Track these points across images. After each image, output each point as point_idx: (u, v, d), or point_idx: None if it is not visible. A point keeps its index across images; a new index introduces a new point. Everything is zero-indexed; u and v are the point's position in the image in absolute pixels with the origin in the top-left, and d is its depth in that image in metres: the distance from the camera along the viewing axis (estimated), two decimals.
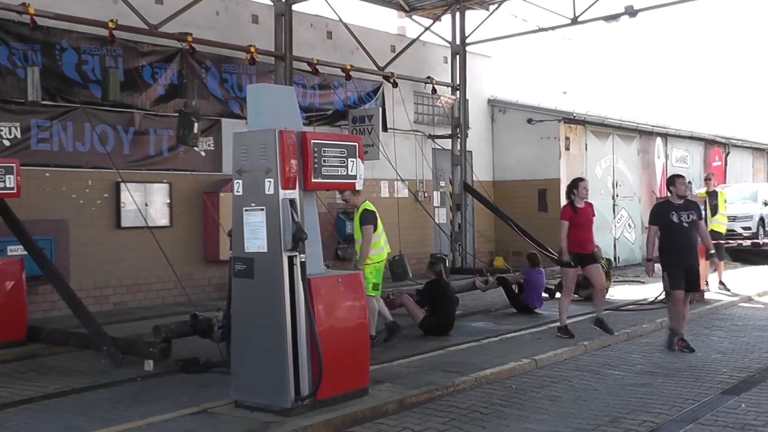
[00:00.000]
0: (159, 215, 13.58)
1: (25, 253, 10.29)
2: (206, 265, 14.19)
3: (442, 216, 19.17)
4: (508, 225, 18.02)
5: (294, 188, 6.51)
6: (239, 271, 6.70)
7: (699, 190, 16.30)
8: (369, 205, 9.80)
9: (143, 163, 13.40)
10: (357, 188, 7.62)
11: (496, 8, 18.46)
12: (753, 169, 29.86)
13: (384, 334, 9.99)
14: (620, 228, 21.22)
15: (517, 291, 12.99)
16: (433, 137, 18.87)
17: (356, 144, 7.09)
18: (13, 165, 9.95)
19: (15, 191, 9.91)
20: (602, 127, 20.96)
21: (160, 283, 13.30)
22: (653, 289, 13.75)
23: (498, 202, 19.46)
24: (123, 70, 13.00)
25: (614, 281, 15.40)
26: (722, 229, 15.77)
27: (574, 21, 17.05)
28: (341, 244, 15.55)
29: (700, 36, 64.67)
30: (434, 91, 18.10)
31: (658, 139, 23.44)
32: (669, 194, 9.91)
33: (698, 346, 9.56)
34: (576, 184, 10.33)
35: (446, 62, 19.06)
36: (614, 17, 16.69)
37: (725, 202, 15.93)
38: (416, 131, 18.26)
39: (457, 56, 18.61)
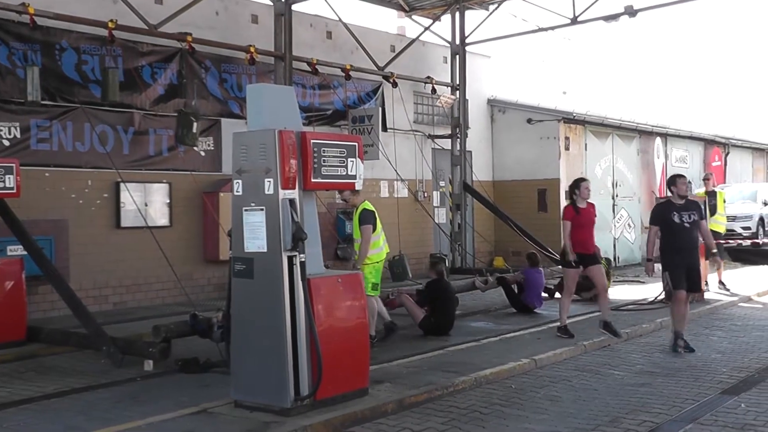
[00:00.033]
0: (159, 215, 13.58)
1: (25, 253, 10.29)
2: (206, 265, 14.19)
3: (441, 216, 19.17)
4: (508, 225, 18.04)
5: (294, 188, 6.51)
6: (239, 271, 6.70)
7: (698, 190, 16.31)
8: (368, 205, 9.80)
9: (143, 163, 13.40)
10: (357, 188, 7.61)
11: (496, 8, 18.46)
12: (753, 169, 29.87)
13: (382, 334, 9.99)
14: (620, 228, 21.22)
15: (516, 291, 12.99)
16: (432, 137, 18.87)
17: (356, 144, 7.09)
18: (13, 165, 9.95)
19: (15, 191, 9.91)
20: (602, 127, 20.97)
21: (160, 283, 13.30)
22: (653, 289, 13.75)
23: (497, 202, 19.47)
24: (123, 70, 13.00)
25: (614, 281, 15.41)
26: (721, 229, 15.79)
27: (574, 21, 17.06)
28: (341, 244, 15.54)
29: (700, 36, 64.73)
30: (434, 91, 18.10)
31: (658, 139, 23.45)
32: (670, 194, 9.86)
33: (698, 346, 9.56)
34: (578, 185, 10.29)
35: (446, 62, 19.07)
36: (614, 17, 16.70)
37: (724, 202, 15.94)
38: (416, 131, 18.26)
39: (457, 56, 18.61)
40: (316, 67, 15.28)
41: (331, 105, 16.67)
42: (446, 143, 18.75)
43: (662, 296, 12.74)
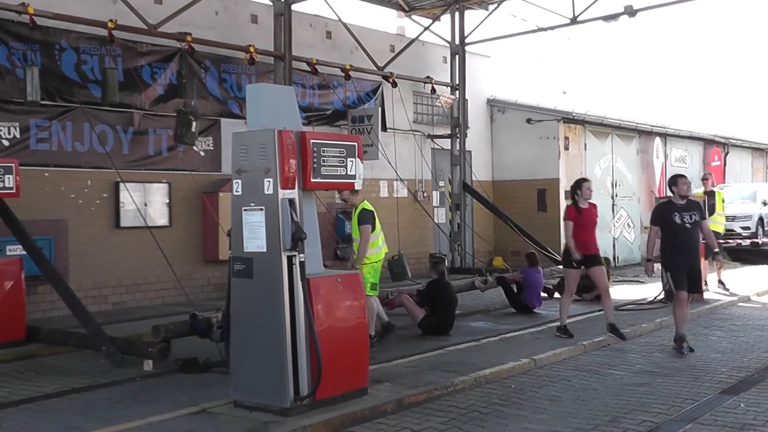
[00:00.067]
0: (158, 215, 13.58)
1: (24, 252, 10.29)
2: (205, 264, 14.19)
3: (441, 216, 19.17)
4: (507, 225, 18.05)
5: (293, 188, 6.51)
6: (238, 270, 6.70)
7: (697, 190, 16.31)
8: (367, 205, 9.80)
9: (142, 162, 13.40)
10: (356, 188, 7.61)
11: (496, 8, 18.47)
12: (752, 169, 29.87)
13: (380, 334, 9.99)
14: (619, 228, 21.22)
15: (516, 291, 12.99)
16: (432, 137, 18.88)
17: (355, 144, 7.09)
18: (12, 165, 9.94)
19: (14, 191, 9.90)
20: (601, 127, 20.97)
21: (160, 283, 13.30)
22: (652, 289, 13.76)
23: (497, 201, 19.48)
24: (122, 70, 13.00)
25: (613, 281, 15.40)
26: (720, 229, 15.79)
27: (574, 21, 17.06)
28: (340, 243, 15.55)
29: (699, 36, 64.74)
30: (433, 90, 18.11)
31: (657, 139, 23.45)
32: (671, 194, 9.82)
33: (697, 346, 9.55)
34: (580, 185, 10.27)
35: (445, 62, 19.08)
36: (613, 17, 16.70)
37: (723, 201, 15.94)
38: (415, 131, 18.25)
39: (457, 56, 18.62)
40: (316, 67, 15.29)
41: (330, 105, 16.67)
42: (446, 143, 18.76)
43: (661, 296, 12.79)
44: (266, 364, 6.50)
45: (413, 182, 18.31)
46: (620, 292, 14.58)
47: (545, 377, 8.15)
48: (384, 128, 16.98)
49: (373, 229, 9.64)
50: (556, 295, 13.76)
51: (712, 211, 15.15)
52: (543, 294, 13.14)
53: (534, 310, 12.64)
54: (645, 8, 16.41)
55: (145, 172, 13.42)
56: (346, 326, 6.85)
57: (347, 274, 7.26)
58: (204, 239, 14.12)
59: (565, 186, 19.33)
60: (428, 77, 18.02)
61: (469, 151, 19.07)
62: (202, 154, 14.24)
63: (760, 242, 21.57)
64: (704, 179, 16.04)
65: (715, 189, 16.07)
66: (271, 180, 6.43)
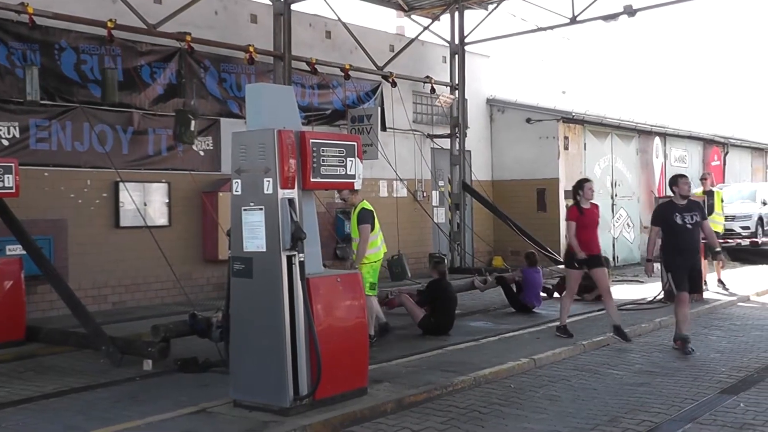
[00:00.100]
0: (158, 215, 13.58)
1: (24, 252, 10.29)
2: (205, 264, 14.19)
3: (440, 216, 19.18)
4: (507, 224, 18.06)
5: (293, 188, 6.51)
6: (238, 270, 6.69)
7: (696, 190, 16.31)
8: (367, 204, 9.80)
9: (142, 162, 13.40)
10: (356, 188, 7.61)
11: (495, 8, 18.47)
12: (752, 169, 29.88)
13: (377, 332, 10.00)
14: (619, 227, 21.22)
15: (515, 290, 12.99)
16: (431, 137, 18.87)
17: (355, 143, 7.08)
18: (12, 164, 9.94)
19: (14, 191, 9.90)
20: (601, 127, 20.97)
21: (159, 282, 13.30)
22: (652, 289, 13.76)
23: (497, 201, 19.49)
24: (122, 69, 13.00)
25: (613, 281, 15.38)
26: (719, 229, 15.76)
27: (573, 20, 17.06)
28: (340, 243, 15.55)
29: (698, 36, 64.75)
30: (433, 90, 18.11)
31: (657, 139, 23.45)
32: (672, 194, 9.79)
33: (697, 346, 9.53)
34: (581, 185, 10.24)
35: (445, 62, 19.08)
36: (613, 17, 16.70)
37: (722, 201, 15.94)
38: (415, 131, 18.25)
39: (456, 56, 18.63)
40: (315, 66, 15.29)
41: (330, 105, 16.67)
42: (445, 143, 18.76)
43: (661, 296, 12.79)
44: (266, 364, 6.49)
45: (413, 182, 18.31)
46: (620, 292, 14.57)
47: (545, 377, 8.14)
48: (383, 128, 16.98)
49: (372, 228, 9.63)
50: (556, 294, 13.78)
51: (710, 211, 15.14)
52: (542, 294, 13.14)
53: (533, 309, 12.64)
54: (644, 8, 16.41)
55: (144, 172, 13.42)
56: (345, 326, 6.85)
57: (347, 274, 7.26)
58: (203, 239, 14.12)
59: (564, 186, 19.35)
60: (428, 77, 18.02)
61: (469, 151, 19.07)
62: (202, 153, 14.23)
63: (760, 242, 21.57)
64: (703, 179, 16.03)
65: (714, 189, 16.07)
66: (270, 180, 6.43)
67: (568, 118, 19.89)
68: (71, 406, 7.07)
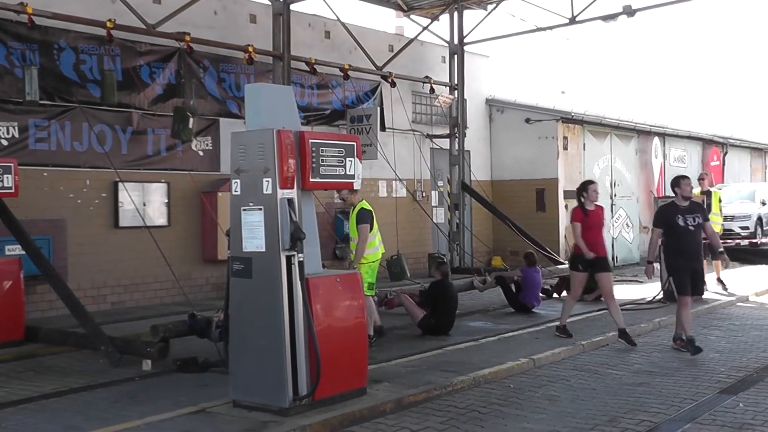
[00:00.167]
0: (157, 215, 13.58)
1: (23, 252, 10.28)
2: (204, 264, 14.18)
3: (440, 216, 19.17)
4: (506, 224, 18.06)
5: (292, 188, 6.50)
6: (237, 270, 6.69)
7: (694, 190, 16.32)
8: (366, 204, 9.80)
9: (141, 162, 13.39)
10: (355, 188, 7.60)
11: (494, 8, 18.47)
12: (751, 169, 29.89)
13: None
14: (618, 228, 21.22)
15: (515, 290, 12.99)
16: (431, 137, 18.87)
17: (354, 143, 7.08)
18: (11, 164, 9.94)
19: (13, 191, 9.90)
20: (600, 127, 20.97)
21: (158, 282, 13.29)
22: (651, 289, 13.76)
23: (496, 201, 19.49)
24: (121, 69, 13.00)
25: (612, 281, 15.38)
26: (717, 229, 15.77)
27: (572, 21, 17.06)
28: (339, 243, 15.55)
29: (698, 36, 64.78)
30: (432, 90, 18.10)
31: (656, 139, 23.46)
32: (674, 196, 9.73)
33: None
34: (586, 187, 10.17)
35: (444, 62, 19.07)
36: (612, 17, 16.70)
37: (719, 201, 15.94)
38: (414, 131, 18.25)
39: (455, 56, 18.62)
40: (315, 66, 15.29)
41: (329, 105, 16.67)
42: (444, 143, 18.76)
43: (660, 296, 12.80)
44: (265, 364, 6.49)
45: (412, 182, 18.31)
46: (619, 292, 14.55)
47: (544, 377, 8.15)
48: (383, 128, 16.98)
49: (371, 228, 9.63)
50: (555, 295, 13.79)
51: (708, 211, 15.16)
52: (541, 294, 13.14)
53: (533, 309, 12.64)
54: (644, 8, 16.41)
55: (143, 172, 13.42)
56: (344, 326, 6.85)
57: (346, 274, 7.25)
58: (203, 239, 14.12)
59: (563, 186, 19.36)
60: (427, 77, 18.02)
61: (468, 151, 19.07)
62: (201, 153, 14.23)
63: (759, 242, 21.58)
64: (701, 179, 16.01)
65: (712, 189, 16.07)
66: (269, 180, 6.43)
67: (568, 119, 19.90)
68: (70, 406, 7.07)
